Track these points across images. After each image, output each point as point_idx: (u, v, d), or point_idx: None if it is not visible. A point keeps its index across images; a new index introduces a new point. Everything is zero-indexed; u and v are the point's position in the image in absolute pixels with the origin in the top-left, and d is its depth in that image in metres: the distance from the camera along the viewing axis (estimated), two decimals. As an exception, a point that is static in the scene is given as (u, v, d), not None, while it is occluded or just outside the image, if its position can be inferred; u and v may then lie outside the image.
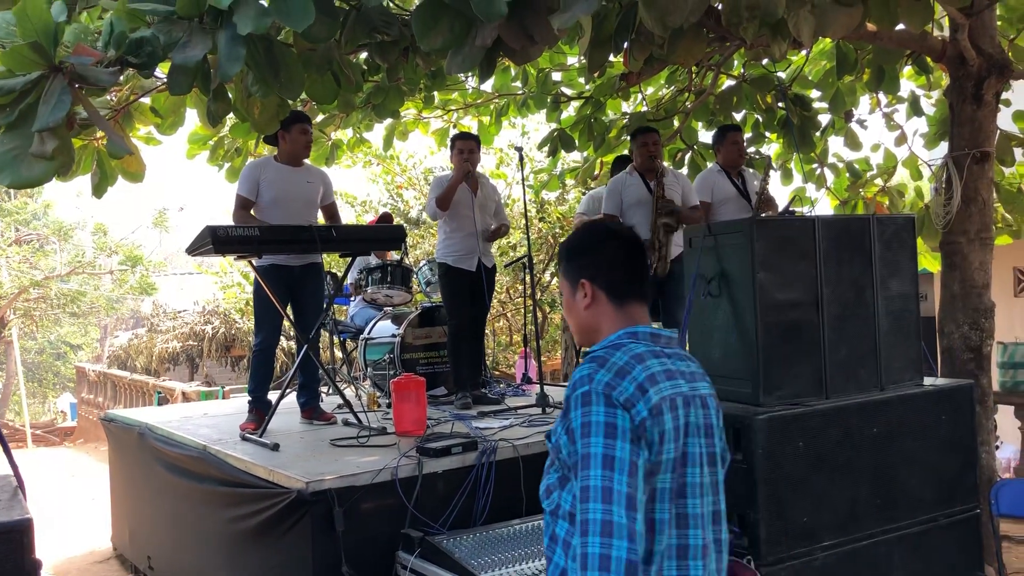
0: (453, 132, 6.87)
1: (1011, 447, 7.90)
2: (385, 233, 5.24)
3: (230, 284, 14.55)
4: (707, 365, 3.96)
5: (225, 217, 5.10)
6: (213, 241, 4.26)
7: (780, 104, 6.61)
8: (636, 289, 1.96)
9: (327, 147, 7.15)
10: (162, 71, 3.67)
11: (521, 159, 5.59)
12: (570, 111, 7.32)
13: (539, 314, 10.95)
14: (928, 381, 4.18)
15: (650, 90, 7.34)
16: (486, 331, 6.55)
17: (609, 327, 1.93)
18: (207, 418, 5.70)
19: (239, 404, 6.38)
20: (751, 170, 6.08)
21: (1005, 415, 7.30)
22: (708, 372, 3.89)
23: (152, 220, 19.89)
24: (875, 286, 3.96)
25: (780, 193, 7.46)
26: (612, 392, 1.74)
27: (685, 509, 1.81)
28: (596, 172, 7.47)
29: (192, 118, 5.17)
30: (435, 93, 6.70)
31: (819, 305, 3.79)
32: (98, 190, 5.58)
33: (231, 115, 4.30)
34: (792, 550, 3.57)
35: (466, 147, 5.55)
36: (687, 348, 4.18)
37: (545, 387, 5.24)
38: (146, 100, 4.84)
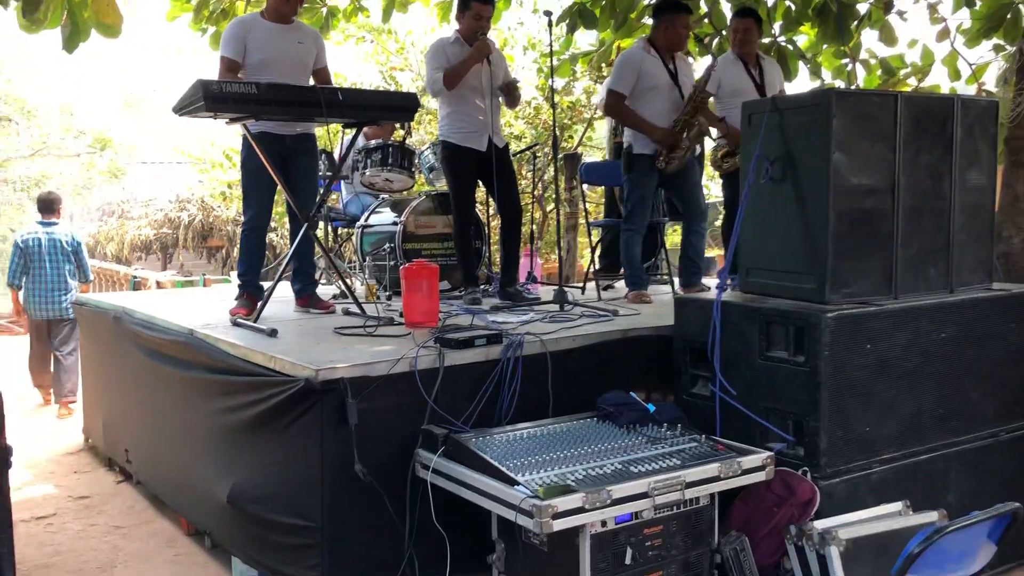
0: None
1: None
2: (397, 100, 4.60)
3: (210, 167, 13.62)
4: (761, 258, 3.61)
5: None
6: (205, 97, 3.71)
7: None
8: None
9: (321, 15, 6.55)
10: None
11: (550, 23, 4.93)
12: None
13: (553, 211, 10.33)
14: (996, 286, 3.81)
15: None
16: (490, 226, 5.99)
17: None
18: (191, 304, 5.22)
19: (223, 292, 5.92)
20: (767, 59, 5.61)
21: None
22: (761, 266, 3.55)
23: (123, 102, 18.90)
24: (953, 176, 3.54)
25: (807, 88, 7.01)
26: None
27: None
28: (612, 57, 6.91)
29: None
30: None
31: (895, 193, 3.37)
32: (70, 44, 5.02)
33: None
34: (851, 462, 3.24)
35: (486, 12, 4.82)
36: (736, 239, 3.74)
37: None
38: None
